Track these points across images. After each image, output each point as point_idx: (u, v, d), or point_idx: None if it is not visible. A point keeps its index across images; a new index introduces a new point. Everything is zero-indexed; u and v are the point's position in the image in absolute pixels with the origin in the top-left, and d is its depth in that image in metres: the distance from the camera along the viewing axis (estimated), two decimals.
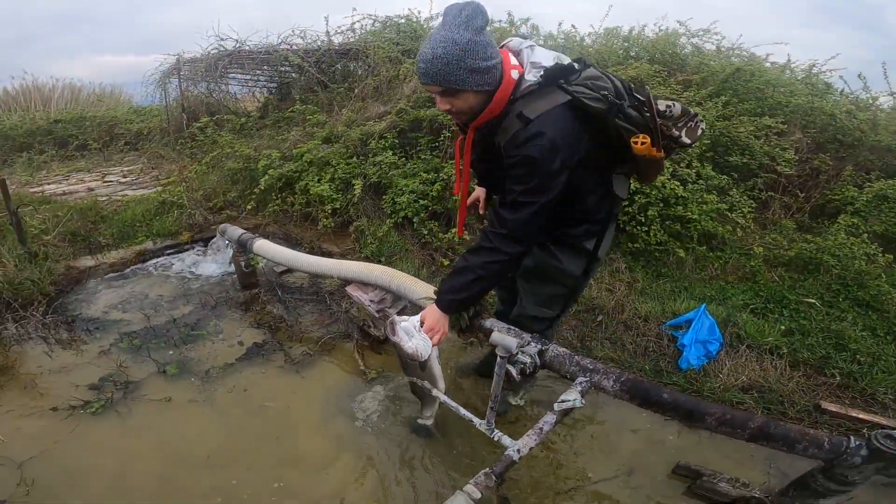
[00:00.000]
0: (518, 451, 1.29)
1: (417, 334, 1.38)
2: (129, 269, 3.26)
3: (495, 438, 1.40)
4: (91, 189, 4.71)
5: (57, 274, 2.93)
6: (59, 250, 3.17)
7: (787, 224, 3.20)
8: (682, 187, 2.91)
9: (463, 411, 1.45)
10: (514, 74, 1.21)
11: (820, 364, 2.18)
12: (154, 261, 3.38)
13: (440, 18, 1.19)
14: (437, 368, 1.52)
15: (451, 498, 1.15)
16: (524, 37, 1.30)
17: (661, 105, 1.23)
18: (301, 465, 1.78)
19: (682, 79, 3.90)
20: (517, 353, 1.33)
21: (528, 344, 1.35)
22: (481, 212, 1.83)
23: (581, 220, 1.41)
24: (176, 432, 1.92)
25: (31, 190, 4.50)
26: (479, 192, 1.77)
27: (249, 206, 3.65)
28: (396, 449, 1.83)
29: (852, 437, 1.26)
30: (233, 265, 3.04)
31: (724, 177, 3.14)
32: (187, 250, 3.54)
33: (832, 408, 1.96)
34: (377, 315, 1.96)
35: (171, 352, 2.38)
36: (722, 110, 3.42)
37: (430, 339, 1.40)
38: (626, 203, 2.85)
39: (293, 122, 4.82)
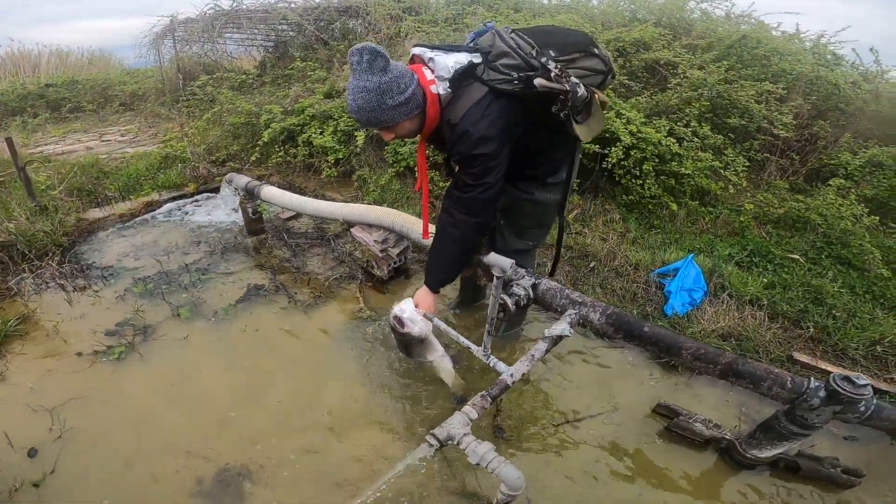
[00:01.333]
0: (511, 375, 1.41)
1: (420, 319, 1.61)
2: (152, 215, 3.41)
3: (491, 364, 1.51)
4: (90, 148, 4.70)
5: (68, 225, 3.00)
6: (67, 204, 3.23)
7: (780, 184, 3.26)
8: (678, 144, 2.95)
9: (462, 339, 1.55)
10: (434, 89, 1.34)
11: (797, 317, 2.29)
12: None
13: None
14: (432, 336, 1.71)
15: (450, 417, 1.27)
16: (422, 44, 1.42)
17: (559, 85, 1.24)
18: (314, 402, 1.88)
19: (687, 42, 3.85)
20: (512, 286, 1.43)
21: (523, 277, 1.45)
22: None
23: (541, 164, 1.55)
24: (196, 373, 2.00)
25: (29, 151, 4.49)
26: None
27: (253, 158, 3.72)
28: (404, 381, 1.94)
29: (812, 379, 1.35)
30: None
31: (720, 136, 3.19)
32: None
33: (803, 359, 2.05)
34: (380, 255, 2.06)
35: (184, 295, 2.48)
36: (724, 74, 3.41)
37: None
38: (623, 157, 2.91)
39: (293, 78, 4.79)
